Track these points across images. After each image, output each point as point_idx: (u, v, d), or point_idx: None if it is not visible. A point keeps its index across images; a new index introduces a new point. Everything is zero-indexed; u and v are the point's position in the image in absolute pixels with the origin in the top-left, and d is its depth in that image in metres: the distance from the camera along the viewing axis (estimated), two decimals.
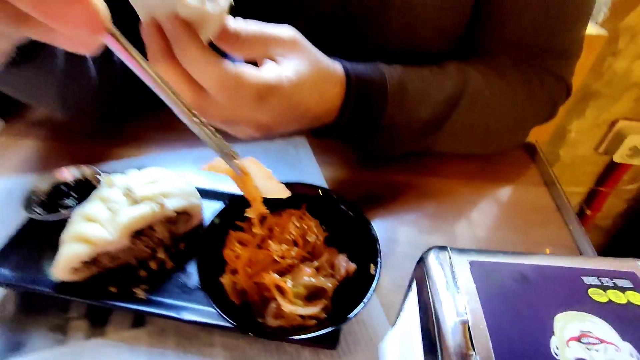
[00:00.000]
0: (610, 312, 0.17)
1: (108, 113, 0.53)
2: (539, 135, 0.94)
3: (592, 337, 0.16)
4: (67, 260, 0.32)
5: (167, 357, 0.32)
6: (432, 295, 0.18)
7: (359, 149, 0.51)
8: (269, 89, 0.31)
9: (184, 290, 0.35)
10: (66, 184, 0.40)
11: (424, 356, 0.18)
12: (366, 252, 0.33)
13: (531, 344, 0.16)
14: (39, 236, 0.37)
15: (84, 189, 0.40)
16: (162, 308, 0.33)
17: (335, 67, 0.38)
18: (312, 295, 0.31)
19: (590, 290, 0.18)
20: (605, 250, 1.14)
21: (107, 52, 0.45)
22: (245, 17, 0.32)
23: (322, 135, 0.43)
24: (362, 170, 0.50)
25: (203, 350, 0.33)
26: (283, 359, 0.32)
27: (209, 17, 0.27)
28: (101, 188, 0.36)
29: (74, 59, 0.42)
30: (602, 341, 0.16)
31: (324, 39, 0.38)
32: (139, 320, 0.34)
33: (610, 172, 0.98)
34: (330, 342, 0.31)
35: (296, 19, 0.39)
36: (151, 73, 0.22)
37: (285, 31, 0.34)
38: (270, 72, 0.32)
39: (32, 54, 0.37)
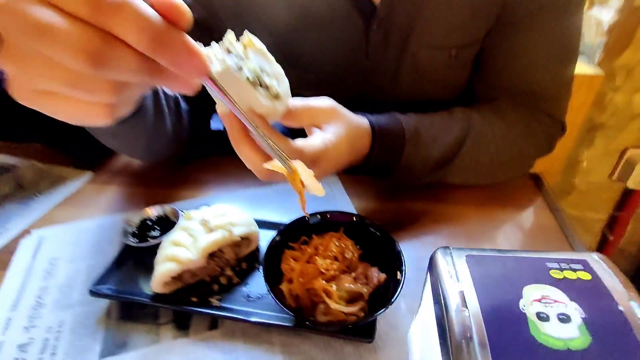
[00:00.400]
0: (563, 284, 0.25)
1: (177, 158, 0.65)
2: (551, 165, 1.01)
3: (549, 299, 0.24)
4: (161, 276, 0.42)
5: (237, 352, 0.40)
6: (439, 276, 0.27)
7: (383, 179, 0.60)
8: (319, 154, 0.41)
9: (248, 300, 0.44)
10: (151, 219, 0.51)
11: (436, 321, 0.26)
12: (393, 264, 0.41)
13: (507, 305, 0.24)
14: (133, 259, 0.48)
15: (165, 223, 0.50)
16: (232, 313, 0.42)
17: (363, 122, 0.49)
18: (351, 299, 0.39)
19: (551, 271, 0.26)
20: (632, 276, 1.14)
21: (178, 110, 0.58)
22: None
23: (351, 172, 0.53)
24: (386, 200, 0.59)
25: (265, 346, 0.41)
26: (330, 353, 0.40)
27: (277, 111, 0.37)
28: (182, 221, 0.46)
29: (158, 114, 0.54)
30: (555, 301, 0.24)
31: (347, 96, 0.49)
32: (213, 324, 0.43)
33: (627, 198, 1.02)
34: (368, 335, 0.38)
35: (327, 89, 0.49)
36: (238, 107, 0.30)
37: (324, 102, 0.44)
38: (317, 139, 0.41)
39: (134, 111, 0.48)
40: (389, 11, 0.55)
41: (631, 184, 0.98)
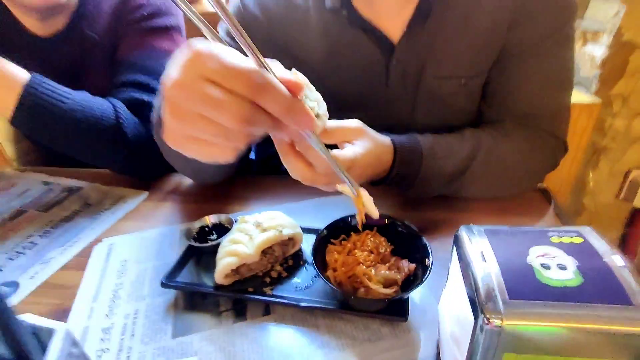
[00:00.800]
0: (561, 245, 0.32)
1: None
2: (560, 187, 1.08)
3: (550, 255, 0.31)
4: (223, 268, 0.50)
5: (288, 334, 0.47)
6: (463, 245, 0.34)
7: (402, 191, 0.67)
8: (349, 163, 0.49)
9: (296, 290, 0.51)
10: (208, 226, 0.59)
11: (462, 276, 0.33)
12: (421, 255, 0.48)
13: (517, 260, 0.31)
14: (196, 258, 0.56)
15: (220, 230, 0.59)
16: (283, 299, 0.49)
17: (386, 140, 0.57)
18: (387, 285, 0.46)
19: (551, 237, 0.33)
20: None
21: None
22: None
23: (377, 184, 0.61)
24: (406, 210, 0.66)
25: (312, 329, 0.47)
26: (369, 332, 0.46)
27: (317, 129, 0.46)
28: (238, 224, 0.55)
29: None
30: (554, 256, 0.31)
31: (369, 120, 0.58)
32: (266, 310, 0.50)
33: (636, 217, 1.07)
34: (402, 314, 0.45)
35: (351, 115, 0.58)
36: (320, 145, 0.40)
37: (354, 123, 0.53)
38: (349, 151, 0.50)
39: None
40: (405, 48, 0.65)
41: (638, 203, 1.04)
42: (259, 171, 1.00)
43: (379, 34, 0.66)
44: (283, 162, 0.47)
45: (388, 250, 0.50)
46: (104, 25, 0.80)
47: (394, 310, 0.45)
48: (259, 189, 0.74)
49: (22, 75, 0.64)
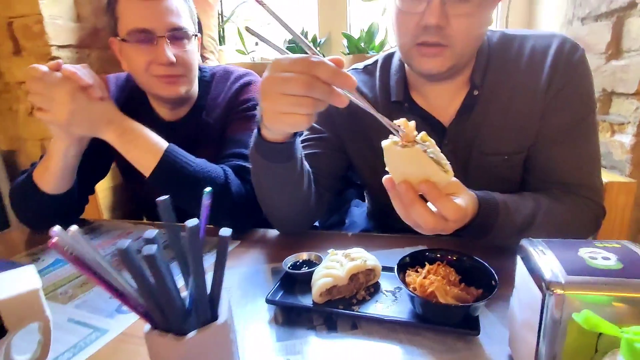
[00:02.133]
0: (604, 248, 0.42)
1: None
2: None
3: (595, 253, 0.41)
4: (320, 287, 0.61)
5: (373, 346, 0.55)
6: (528, 252, 0.45)
7: (478, 240, 0.73)
8: (465, 212, 0.58)
9: (378, 310, 0.60)
10: (299, 261, 0.72)
11: (531, 276, 0.43)
12: (486, 281, 0.57)
13: (571, 255, 0.42)
14: (291, 282, 0.67)
15: (310, 264, 0.71)
16: (370, 314, 0.58)
17: (474, 195, 0.66)
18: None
19: (595, 244, 0.44)
20: None
21: (310, 182, 0.83)
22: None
23: (456, 235, 0.71)
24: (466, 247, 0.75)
25: (394, 342, 0.55)
26: (445, 345, 0.54)
27: (445, 181, 0.54)
28: (330, 255, 0.67)
29: (302, 168, 0.77)
30: (599, 252, 0.41)
31: None
32: (354, 325, 0.59)
33: None
34: (474, 327, 0.53)
35: None
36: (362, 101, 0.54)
37: (456, 181, 0.62)
38: (462, 201, 0.59)
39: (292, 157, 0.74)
40: (455, 132, 0.82)
41: None
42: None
43: (433, 120, 0.84)
44: (406, 215, 0.56)
45: (457, 279, 0.60)
46: (219, 113, 1.05)
47: (468, 325, 0.54)
48: (327, 240, 0.87)
49: (162, 143, 0.86)
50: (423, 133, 0.54)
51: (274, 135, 0.69)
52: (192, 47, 0.96)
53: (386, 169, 0.55)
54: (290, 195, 0.80)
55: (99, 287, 0.76)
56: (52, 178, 0.89)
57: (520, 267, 0.46)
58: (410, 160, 0.51)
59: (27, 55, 1.45)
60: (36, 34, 1.40)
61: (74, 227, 0.32)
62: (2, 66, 1.50)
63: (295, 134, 0.72)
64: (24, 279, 0.49)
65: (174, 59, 0.90)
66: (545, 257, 0.42)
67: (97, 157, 1.03)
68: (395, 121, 0.53)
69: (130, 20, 0.89)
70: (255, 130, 0.73)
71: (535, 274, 0.42)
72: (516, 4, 1.55)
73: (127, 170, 1.12)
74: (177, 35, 0.92)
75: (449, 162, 0.54)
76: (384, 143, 0.54)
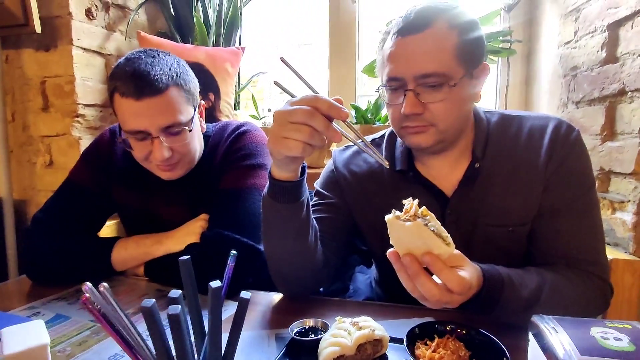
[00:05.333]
0: (615, 328, 0.43)
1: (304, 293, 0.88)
2: None
3: (607, 333, 0.42)
4: (326, 357, 0.59)
5: None
6: (540, 329, 0.45)
7: (484, 315, 0.72)
8: (470, 285, 0.60)
9: None
10: (305, 327, 0.70)
11: (544, 354, 0.43)
12: (495, 357, 0.56)
13: (582, 334, 0.42)
14: (297, 350, 0.66)
15: (316, 331, 0.70)
16: None
17: (479, 268, 0.68)
18: None
19: (607, 323, 0.44)
20: None
21: (316, 237, 0.84)
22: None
23: (461, 309, 0.69)
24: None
25: None
26: None
27: (448, 253, 0.57)
28: (337, 323, 0.66)
29: (308, 217, 0.79)
30: (611, 333, 0.42)
31: None
32: None
33: None
34: None
35: None
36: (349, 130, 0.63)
37: (458, 253, 0.65)
38: (466, 274, 0.61)
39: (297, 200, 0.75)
40: (457, 201, 0.85)
41: None
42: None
43: (436, 189, 0.87)
44: (412, 288, 0.58)
45: (467, 354, 0.59)
46: (216, 166, 1.06)
47: None
48: (333, 307, 0.86)
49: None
50: (424, 208, 0.58)
51: (280, 170, 0.73)
52: (189, 134, 0.96)
53: (390, 242, 0.58)
54: (296, 243, 0.80)
55: (98, 346, 0.75)
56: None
57: (532, 344, 0.46)
58: (413, 233, 0.54)
59: (54, 112, 1.54)
60: (66, 93, 1.50)
61: (104, 285, 0.33)
62: (29, 120, 1.58)
63: (302, 175, 0.75)
64: (33, 333, 0.49)
65: (168, 156, 0.92)
66: (558, 335, 0.42)
67: (98, 215, 1.10)
68: (403, 201, 0.59)
69: (126, 119, 0.91)
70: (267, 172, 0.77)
71: (548, 352, 0.42)
72: (513, 88, 1.67)
73: (132, 227, 1.14)
74: (172, 132, 0.92)
75: (449, 235, 0.57)
76: (387, 217, 0.58)
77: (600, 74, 1.19)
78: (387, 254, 0.59)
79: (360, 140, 0.67)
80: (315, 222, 0.85)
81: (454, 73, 0.76)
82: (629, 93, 1.07)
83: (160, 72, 0.89)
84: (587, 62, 1.25)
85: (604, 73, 1.17)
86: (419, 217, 0.56)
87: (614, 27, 1.13)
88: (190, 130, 0.95)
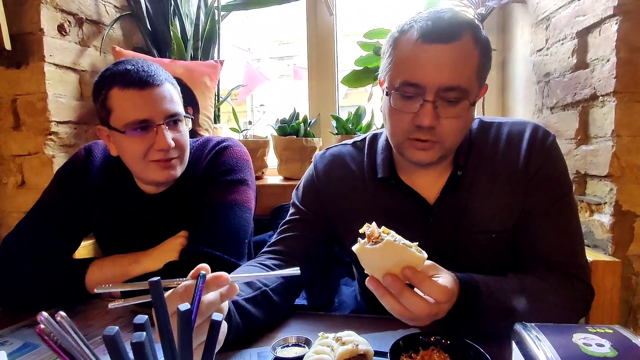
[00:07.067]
0: (596, 333, 0.42)
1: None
2: None
3: (589, 339, 0.41)
4: None
5: None
6: (523, 337, 0.44)
7: (463, 327, 0.71)
8: (452, 292, 0.61)
9: None
10: (288, 345, 0.68)
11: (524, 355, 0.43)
12: None
13: (564, 341, 0.41)
14: None
15: (298, 348, 0.67)
16: None
17: (453, 275, 0.68)
18: None
19: (589, 329, 0.44)
20: None
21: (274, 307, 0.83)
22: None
23: (444, 322, 0.68)
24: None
25: None
26: None
27: (423, 262, 0.58)
28: (320, 339, 0.64)
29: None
30: (593, 339, 0.41)
31: None
32: None
33: None
34: None
35: None
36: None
37: (431, 263, 0.66)
38: (445, 281, 0.62)
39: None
40: (440, 209, 0.85)
41: None
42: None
43: (418, 197, 0.87)
44: (400, 310, 0.59)
45: None
46: (197, 182, 1.04)
47: None
48: (317, 322, 0.84)
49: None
50: (383, 227, 0.58)
51: None
52: (185, 129, 1.00)
53: (365, 272, 0.58)
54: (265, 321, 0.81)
55: None
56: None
57: (516, 353, 0.46)
58: (385, 253, 0.54)
59: (27, 130, 1.49)
60: (38, 111, 1.45)
61: (62, 314, 0.31)
62: (0, 139, 1.53)
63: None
64: None
65: (173, 144, 0.94)
66: (540, 342, 0.42)
67: (72, 237, 1.08)
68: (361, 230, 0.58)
69: (128, 112, 0.91)
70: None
71: None
72: (489, 95, 1.70)
73: (109, 247, 1.10)
74: (174, 121, 0.96)
75: (417, 243, 0.58)
76: (355, 248, 0.58)
77: (572, 80, 1.22)
78: (366, 282, 0.60)
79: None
80: (288, 242, 0.91)
81: (472, 90, 0.75)
82: (600, 97, 1.10)
83: (156, 69, 0.95)
84: (559, 69, 1.28)
85: (576, 79, 1.20)
86: (383, 236, 0.56)
87: (583, 34, 1.16)
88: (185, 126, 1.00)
